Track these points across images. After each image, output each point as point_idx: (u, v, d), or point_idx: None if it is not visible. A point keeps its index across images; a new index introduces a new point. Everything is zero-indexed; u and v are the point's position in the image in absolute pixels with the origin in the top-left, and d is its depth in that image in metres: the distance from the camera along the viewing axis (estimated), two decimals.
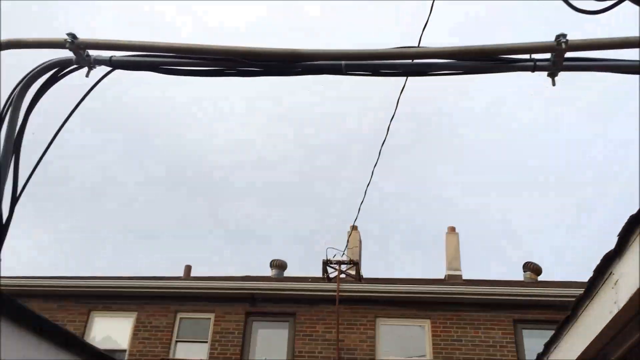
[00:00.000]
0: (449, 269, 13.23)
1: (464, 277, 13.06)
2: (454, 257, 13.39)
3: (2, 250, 2.57)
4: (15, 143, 2.78)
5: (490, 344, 10.41)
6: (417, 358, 10.60)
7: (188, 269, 13.24)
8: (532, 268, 13.34)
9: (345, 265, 12.15)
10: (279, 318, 11.34)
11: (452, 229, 13.92)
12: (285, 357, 10.94)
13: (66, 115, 2.95)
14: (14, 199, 2.72)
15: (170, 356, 10.97)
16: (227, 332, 11.18)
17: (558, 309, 10.53)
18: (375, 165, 5.16)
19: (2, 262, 2.50)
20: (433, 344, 10.59)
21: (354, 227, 13.54)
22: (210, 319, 11.45)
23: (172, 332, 11.28)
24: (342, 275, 12.00)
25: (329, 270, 12.37)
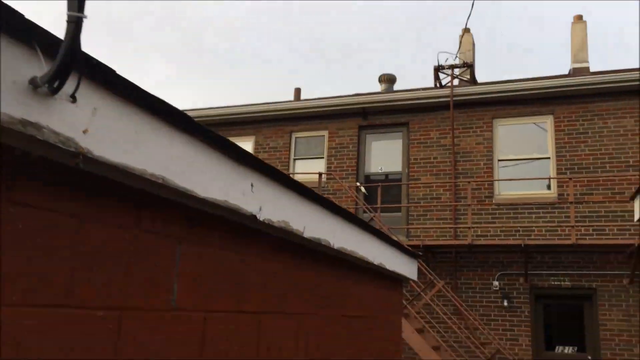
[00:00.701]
0: (574, 61, 12.49)
1: (592, 70, 12.32)
2: (579, 48, 12.53)
3: None
4: None
5: (621, 133, 10.07)
6: (538, 155, 10.63)
7: (298, 92, 13.78)
8: None
9: (458, 70, 11.94)
10: (392, 129, 11.71)
11: (578, 18, 12.85)
12: (400, 165, 11.50)
13: None
14: None
15: (290, 171, 11.99)
16: (341, 146, 11.85)
17: None
18: None
19: None
20: (556, 140, 10.48)
21: (465, 30, 12.96)
22: (324, 136, 12.14)
23: (289, 151, 12.19)
24: (455, 82, 11.86)
25: (441, 76, 12.26)
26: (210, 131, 1.44)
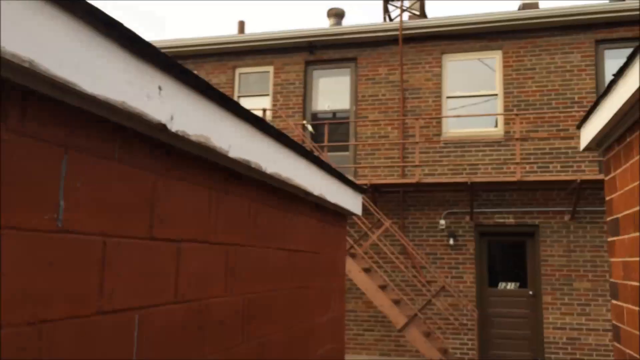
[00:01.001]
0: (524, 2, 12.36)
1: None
2: None
3: None
4: None
5: (567, 68, 10.16)
6: (485, 92, 10.63)
7: (241, 25, 13.17)
8: None
9: (408, 2, 11.64)
10: (340, 64, 11.42)
11: None
12: (349, 103, 11.30)
13: None
14: None
15: None
16: (287, 83, 11.50)
17: None
18: None
19: None
20: (504, 76, 10.48)
21: None
22: (269, 72, 11.73)
23: (233, 87, 11.74)
24: (406, 16, 11.59)
25: (390, 9, 11.94)
26: (100, 10, 1.16)
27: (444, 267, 10.17)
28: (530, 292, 9.95)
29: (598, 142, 4.25)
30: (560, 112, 10.05)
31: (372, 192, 10.20)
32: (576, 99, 10.05)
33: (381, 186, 10.26)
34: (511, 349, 9.83)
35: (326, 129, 10.18)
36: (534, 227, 10.00)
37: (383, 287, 8.77)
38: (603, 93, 3.89)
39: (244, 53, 11.73)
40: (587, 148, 4.51)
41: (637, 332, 3.37)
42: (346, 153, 11.13)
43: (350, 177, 10.70)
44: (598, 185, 9.55)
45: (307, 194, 3.04)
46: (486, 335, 9.99)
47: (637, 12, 9.70)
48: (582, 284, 9.59)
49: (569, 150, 9.95)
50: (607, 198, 4.15)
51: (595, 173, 9.74)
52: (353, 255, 8.97)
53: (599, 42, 10.13)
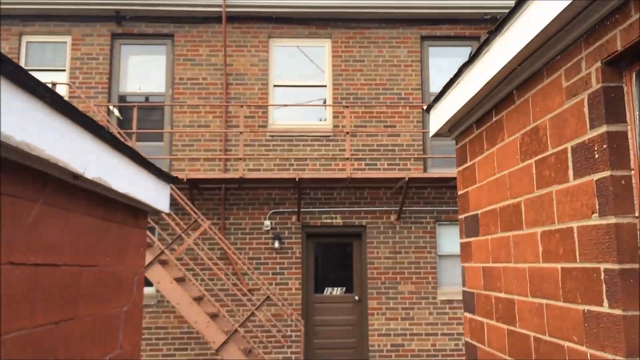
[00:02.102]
0: None
1: None
2: None
3: None
4: None
5: (395, 63, 10.11)
6: (314, 83, 10.17)
7: None
8: None
9: None
10: (154, 41, 10.13)
11: None
12: (164, 86, 10.07)
13: None
14: None
15: None
16: (89, 57, 9.89)
17: (467, 22, 10.25)
18: None
19: None
20: (333, 66, 10.12)
21: None
22: (66, 42, 10.01)
23: (18, 59, 9.79)
24: None
25: None
26: None
27: (268, 272, 9.46)
28: (356, 297, 9.68)
29: (452, 126, 3.78)
30: (387, 107, 9.95)
31: (190, 189, 9.12)
32: (402, 95, 10.03)
33: (200, 181, 9.23)
34: (337, 358, 9.46)
35: (135, 113, 8.84)
36: (361, 228, 9.76)
37: (199, 299, 7.76)
38: (458, 70, 3.41)
39: (32, 18, 9.84)
40: (438, 134, 4.03)
41: (505, 357, 2.87)
42: (160, 143, 9.88)
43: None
44: (423, 183, 9.60)
45: (74, 176, 2.00)
46: (311, 345, 9.49)
47: (460, 10, 9.97)
48: (406, 286, 9.55)
49: (396, 148, 9.90)
50: (461, 191, 3.67)
51: (420, 172, 9.80)
52: (164, 263, 7.82)
53: (424, 38, 10.24)
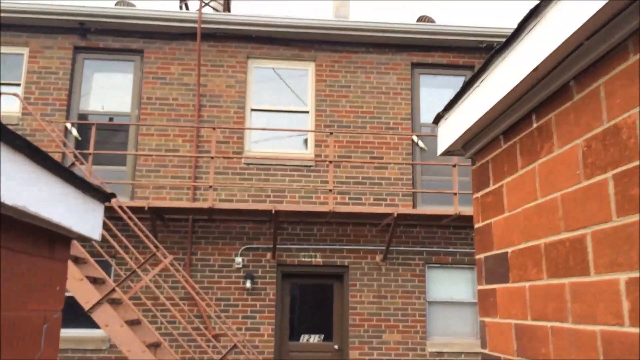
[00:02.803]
0: (336, 16, 11.68)
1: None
2: (341, 3, 11.78)
3: None
4: None
5: (383, 90, 9.52)
6: (296, 108, 9.52)
7: None
8: (426, 20, 12.27)
9: None
10: (121, 56, 9.42)
11: None
12: (129, 106, 9.32)
13: None
14: None
15: None
16: (48, 72, 9.14)
17: (461, 51, 9.75)
18: None
19: None
20: (316, 91, 9.49)
21: None
22: (23, 54, 9.25)
23: None
24: (208, 10, 10.07)
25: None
26: None
27: (237, 316, 8.57)
28: (336, 347, 8.81)
29: (467, 141, 3.10)
30: (374, 137, 9.31)
31: (152, 219, 8.28)
32: (391, 124, 9.41)
33: (165, 211, 8.40)
34: None
35: (93, 131, 8.04)
36: (344, 269, 8.97)
37: (156, 346, 6.85)
38: (485, 63, 2.74)
39: None
40: (449, 152, 3.34)
41: None
42: (122, 167, 9.07)
43: (125, 199, 8.65)
44: (412, 221, 8.90)
45: None
46: None
47: (454, 37, 9.48)
48: (392, 336, 8.73)
49: (383, 181, 9.22)
50: (479, 224, 2.96)
51: (409, 208, 9.10)
52: (117, 303, 6.92)
53: (415, 65, 9.70)
